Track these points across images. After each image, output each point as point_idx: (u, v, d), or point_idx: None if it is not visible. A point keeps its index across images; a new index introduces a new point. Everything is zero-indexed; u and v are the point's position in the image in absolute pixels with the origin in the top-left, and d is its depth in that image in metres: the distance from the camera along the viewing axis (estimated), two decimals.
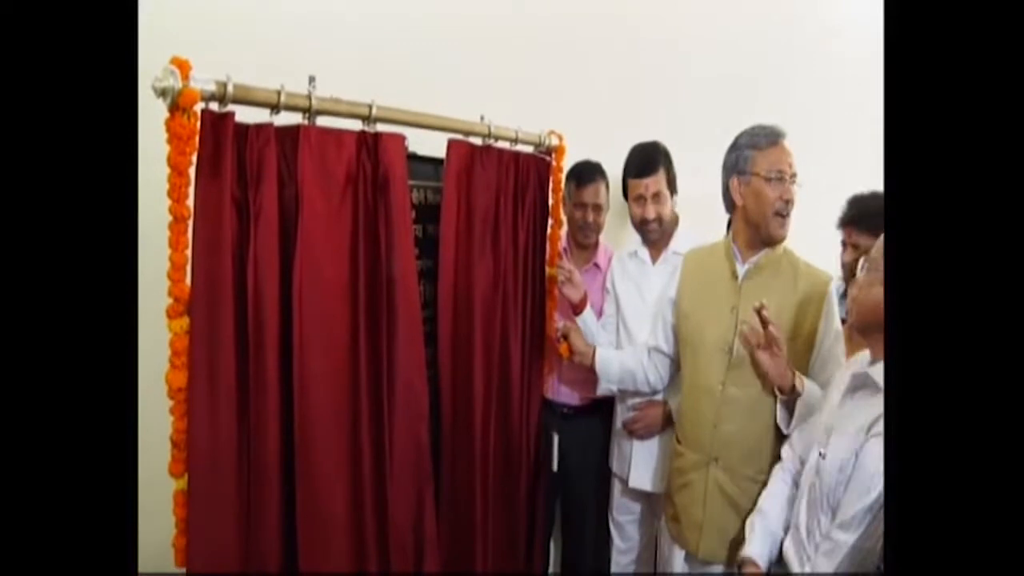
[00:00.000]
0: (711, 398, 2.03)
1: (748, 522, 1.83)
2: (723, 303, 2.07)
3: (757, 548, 1.75)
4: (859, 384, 1.61)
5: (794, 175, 1.97)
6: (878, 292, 1.53)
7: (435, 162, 2.09)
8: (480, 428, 2.15)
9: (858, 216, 2.32)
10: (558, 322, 2.48)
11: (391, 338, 1.76)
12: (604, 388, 2.48)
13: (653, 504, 2.54)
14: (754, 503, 1.91)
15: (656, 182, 2.43)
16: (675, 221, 2.55)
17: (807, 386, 1.89)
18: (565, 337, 2.40)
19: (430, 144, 2.05)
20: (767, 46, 3.20)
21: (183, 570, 1.45)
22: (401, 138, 1.80)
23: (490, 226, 2.17)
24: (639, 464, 2.48)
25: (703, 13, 3.14)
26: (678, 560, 2.12)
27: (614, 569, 2.68)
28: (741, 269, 2.05)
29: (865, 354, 1.67)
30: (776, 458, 1.91)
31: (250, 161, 1.54)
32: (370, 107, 1.75)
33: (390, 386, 1.77)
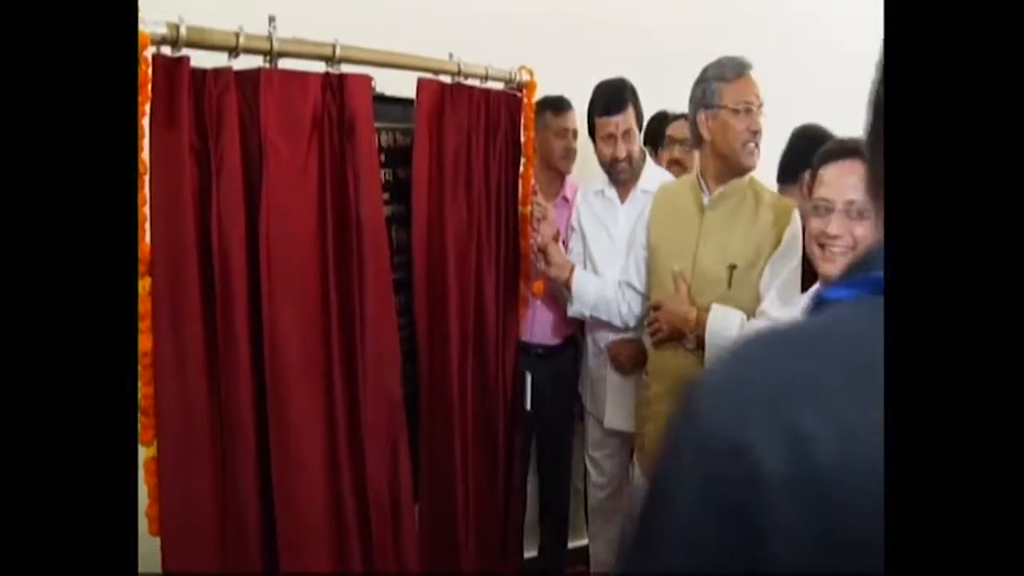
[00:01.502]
0: None
1: None
2: (688, 235, 2.06)
3: None
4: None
5: (761, 105, 1.95)
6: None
7: (403, 103, 2.00)
8: (457, 373, 2.11)
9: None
10: (534, 236, 2.39)
11: (361, 287, 1.71)
12: (576, 311, 2.44)
13: (627, 439, 2.55)
14: None
15: (626, 119, 2.36)
16: (643, 158, 2.49)
17: (719, 317, 1.93)
18: (543, 251, 2.35)
19: (397, 84, 1.96)
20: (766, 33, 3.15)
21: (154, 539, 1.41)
22: (367, 79, 1.71)
23: (462, 167, 2.09)
24: (615, 404, 2.48)
25: None
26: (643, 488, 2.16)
27: (591, 503, 2.70)
28: (706, 200, 2.04)
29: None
30: None
31: (209, 108, 1.45)
32: (334, 47, 1.66)
33: (362, 337, 1.72)
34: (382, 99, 1.90)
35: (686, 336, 2.01)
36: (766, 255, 1.98)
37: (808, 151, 2.51)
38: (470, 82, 2.12)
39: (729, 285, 1.99)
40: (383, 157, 1.94)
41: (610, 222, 2.50)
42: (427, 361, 2.06)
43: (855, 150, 1.55)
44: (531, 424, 2.66)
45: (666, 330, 2.04)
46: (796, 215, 1.99)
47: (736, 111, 1.94)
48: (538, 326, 2.60)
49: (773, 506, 0.48)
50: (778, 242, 1.97)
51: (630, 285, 2.30)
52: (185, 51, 1.39)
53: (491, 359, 2.30)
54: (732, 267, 1.99)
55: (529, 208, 2.40)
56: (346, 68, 1.69)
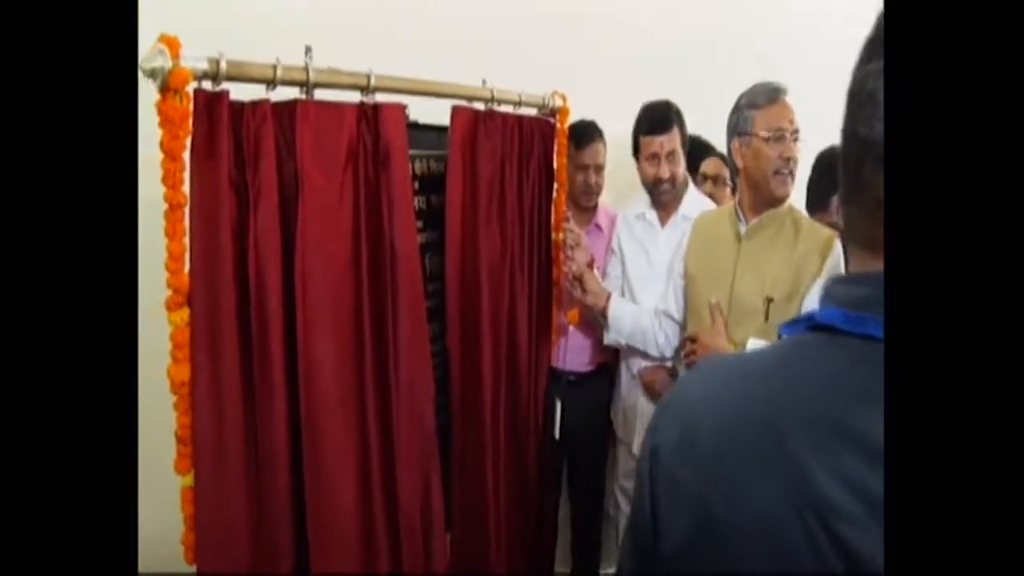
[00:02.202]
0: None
1: None
2: (725, 265, 2.04)
3: None
4: None
5: (796, 131, 1.92)
6: None
7: (437, 130, 2.01)
8: (490, 400, 2.12)
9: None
10: (569, 264, 2.39)
11: (395, 317, 1.71)
12: (612, 339, 2.43)
13: None
14: None
15: (671, 140, 2.35)
16: (685, 182, 2.47)
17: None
18: (578, 279, 2.33)
19: (431, 111, 1.97)
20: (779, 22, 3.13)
21: (191, 568, 1.42)
22: (401, 108, 1.72)
23: (496, 194, 2.10)
24: (643, 431, 2.45)
25: None
26: None
27: (622, 532, 2.67)
28: (743, 230, 2.02)
29: None
30: None
31: (247, 141, 1.46)
32: (368, 77, 1.67)
33: (396, 367, 1.72)
34: (416, 127, 1.91)
35: None
36: (805, 285, 1.93)
37: (834, 175, 2.49)
38: (503, 108, 2.13)
39: (766, 317, 1.95)
40: (417, 185, 1.95)
41: (650, 246, 2.48)
42: (460, 389, 2.06)
43: None
44: (564, 450, 2.64)
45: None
46: (838, 244, 1.95)
47: (767, 138, 1.92)
48: (571, 353, 2.58)
49: (660, 478, 0.64)
50: (819, 272, 1.93)
51: (667, 314, 2.28)
52: (224, 84, 1.41)
53: (523, 386, 2.29)
54: (769, 300, 1.95)
55: (561, 235, 2.40)
56: (380, 97, 1.70)
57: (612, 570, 2.82)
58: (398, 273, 1.70)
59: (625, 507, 2.63)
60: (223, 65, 1.38)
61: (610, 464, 2.76)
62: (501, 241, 2.13)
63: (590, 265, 2.44)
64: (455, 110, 1.96)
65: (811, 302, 1.91)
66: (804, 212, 2.39)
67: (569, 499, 2.79)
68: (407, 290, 1.72)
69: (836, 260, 1.93)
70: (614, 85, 2.60)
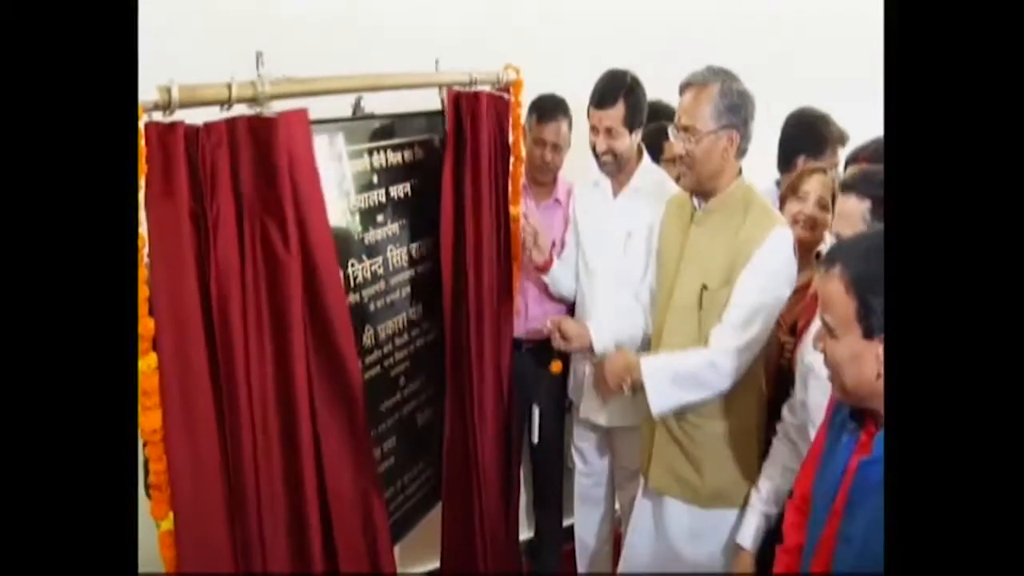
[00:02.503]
0: (656, 341, 2.08)
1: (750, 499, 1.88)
2: (676, 252, 2.03)
3: (747, 536, 1.80)
4: None
5: (685, 128, 1.88)
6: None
7: (426, 115, 2.10)
8: (471, 379, 2.21)
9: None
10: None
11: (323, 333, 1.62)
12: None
13: (606, 431, 2.57)
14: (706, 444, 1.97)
15: (610, 116, 2.26)
16: (637, 155, 2.42)
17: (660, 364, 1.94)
18: (559, 328, 2.30)
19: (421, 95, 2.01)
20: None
21: None
22: (303, 114, 1.54)
23: (481, 174, 2.13)
24: (590, 397, 2.49)
25: None
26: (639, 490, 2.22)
27: (577, 492, 2.74)
28: (697, 214, 1.99)
29: None
30: None
31: (203, 166, 1.37)
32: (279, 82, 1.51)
33: (322, 383, 1.63)
34: (366, 118, 1.91)
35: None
36: (737, 274, 1.87)
37: (798, 137, 2.50)
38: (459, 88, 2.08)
39: (700, 305, 1.92)
40: (375, 178, 1.89)
41: (602, 215, 2.45)
42: (452, 374, 2.15)
43: None
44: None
45: (612, 385, 2.03)
46: (775, 233, 1.86)
47: (675, 133, 1.93)
48: (530, 322, 2.58)
49: None
50: (747, 263, 1.86)
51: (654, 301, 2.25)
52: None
53: (491, 358, 2.31)
54: (704, 287, 1.91)
55: (520, 208, 2.36)
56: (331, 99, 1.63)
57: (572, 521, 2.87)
58: (318, 282, 1.59)
59: (580, 466, 2.69)
60: (175, 93, 1.29)
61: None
62: (475, 219, 2.15)
63: (548, 263, 2.43)
64: (450, 93, 2.01)
65: (741, 292, 1.86)
66: (773, 188, 2.41)
67: (531, 459, 2.84)
68: (332, 307, 1.62)
69: (767, 251, 1.85)
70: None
